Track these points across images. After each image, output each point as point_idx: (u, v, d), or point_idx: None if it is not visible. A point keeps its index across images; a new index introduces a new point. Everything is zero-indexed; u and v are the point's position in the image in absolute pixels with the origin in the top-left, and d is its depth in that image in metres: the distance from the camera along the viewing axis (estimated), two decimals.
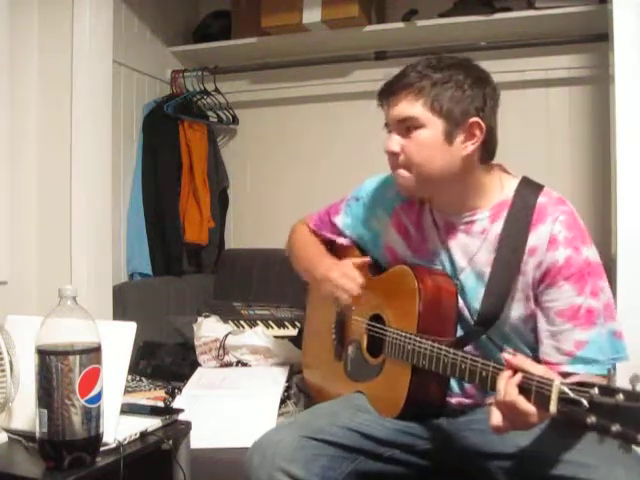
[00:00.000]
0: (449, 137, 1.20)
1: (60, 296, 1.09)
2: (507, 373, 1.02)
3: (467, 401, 1.32)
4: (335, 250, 1.55)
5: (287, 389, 1.75)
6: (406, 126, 1.22)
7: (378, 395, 1.34)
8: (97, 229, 2.05)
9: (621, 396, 0.86)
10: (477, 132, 1.21)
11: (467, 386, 1.31)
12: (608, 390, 0.88)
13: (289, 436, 1.19)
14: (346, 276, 1.37)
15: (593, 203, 2.20)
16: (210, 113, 2.70)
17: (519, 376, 1.00)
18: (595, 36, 2.12)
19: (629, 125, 1.64)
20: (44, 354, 1.05)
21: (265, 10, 2.41)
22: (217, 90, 2.66)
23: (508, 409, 0.99)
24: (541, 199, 1.24)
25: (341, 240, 1.54)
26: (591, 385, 0.90)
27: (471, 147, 1.22)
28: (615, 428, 0.85)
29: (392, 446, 1.25)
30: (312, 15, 2.34)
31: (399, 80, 1.23)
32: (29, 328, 1.08)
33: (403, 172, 1.25)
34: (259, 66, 2.66)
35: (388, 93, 1.25)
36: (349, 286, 1.35)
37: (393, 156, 1.25)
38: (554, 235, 1.20)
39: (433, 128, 1.20)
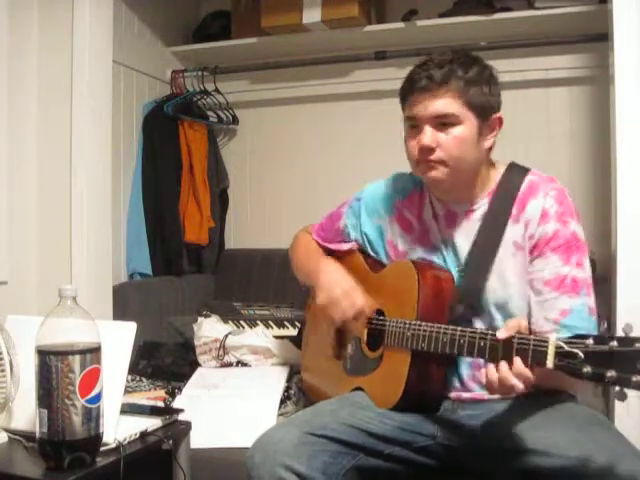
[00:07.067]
0: (480, 132, 1.27)
1: (60, 296, 1.09)
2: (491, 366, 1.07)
3: (466, 395, 1.32)
4: (338, 255, 1.56)
5: (287, 389, 1.75)
6: (441, 122, 1.23)
7: (377, 386, 1.35)
8: (97, 229, 2.04)
9: (615, 343, 0.89)
10: (497, 126, 1.30)
11: (466, 380, 1.32)
12: (602, 339, 0.91)
13: (291, 433, 1.20)
14: (349, 298, 1.37)
15: (593, 202, 2.20)
16: (210, 113, 2.70)
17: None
18: (595, 36, 2.12)
19: (629, 125, 1.64)
20: (44, 354, 1.05)
21: (265, 10, 2.42)
22: (217, 90, 2.66)
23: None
24: (531, 177, 1.31)
25: (345, 246, 1.55)
26: (586, 337, 0.93)
27: (492, 140, 1.30)
28: (610, 374, 0.88)
29: (392, 443, 1.25)
30: (312, 15, 2.35)
31: (431, 77, 1.22)
32: (29, 328, 1.08)
33: (438, 166, 1.25)
34: (259, 66, 2.66)
35: (421, 90, 1.23)
36: (348, 311, 1.37)
37: (427, 151, 1.24)
38: (546, 209, 1.26)
39: (469, 124, 1.24)
